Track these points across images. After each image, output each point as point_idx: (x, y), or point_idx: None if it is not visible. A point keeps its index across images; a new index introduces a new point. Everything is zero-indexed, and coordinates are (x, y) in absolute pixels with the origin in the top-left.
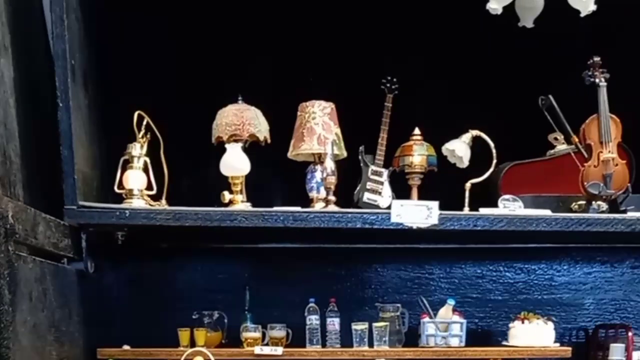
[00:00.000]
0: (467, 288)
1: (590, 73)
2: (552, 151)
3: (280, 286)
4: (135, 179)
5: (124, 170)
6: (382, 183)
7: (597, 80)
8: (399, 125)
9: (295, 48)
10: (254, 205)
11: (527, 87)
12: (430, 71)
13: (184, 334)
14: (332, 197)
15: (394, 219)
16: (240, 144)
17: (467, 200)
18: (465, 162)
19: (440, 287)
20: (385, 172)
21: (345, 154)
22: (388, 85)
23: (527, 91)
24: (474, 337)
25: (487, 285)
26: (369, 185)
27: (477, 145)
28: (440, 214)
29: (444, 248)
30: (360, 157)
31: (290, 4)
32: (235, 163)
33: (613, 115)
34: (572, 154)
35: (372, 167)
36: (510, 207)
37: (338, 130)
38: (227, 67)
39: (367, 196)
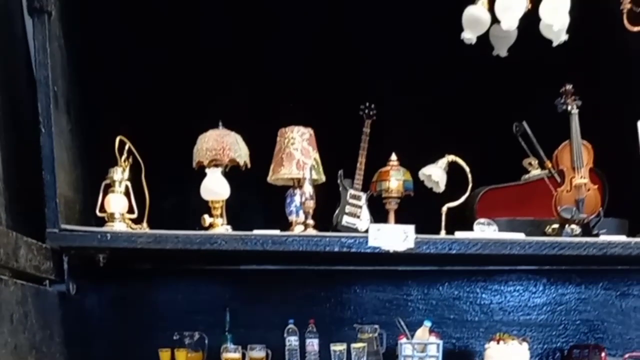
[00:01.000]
0: (444, 309)
1: (562, 100)
2: (526, 176)
3: (260, 307)
4: (116, 202)
5: (105, 194)
6: (360, 207)
7: (569, 108)
8: (377, 149)
9: (274, 74)
10: (234, 228)
11: (502, 113)
12: (406, 97)
13: (164, 355)
14: (310, 221)
15: (372, 242)
16: (220, 169)
17: (443, 223)
18: (441, 187)
19: (418, 309)
20: (364, 196)
21: (323, 178)
22: (366, 111)
23: (501, 117)
24: (451, 358)
25: (463, 307)
26: (348, 208)
27: (453, 170)
28: (417, 237)
29: (421, 270)
30: (339, 181)
31: (270, 29)
32: (215, 187)
33: (585, 142)
34: (546, 179)
35: (351, 191)
36: (485, 230)
37: (317, 156)
38: (208, 93)
39: (345, 219)
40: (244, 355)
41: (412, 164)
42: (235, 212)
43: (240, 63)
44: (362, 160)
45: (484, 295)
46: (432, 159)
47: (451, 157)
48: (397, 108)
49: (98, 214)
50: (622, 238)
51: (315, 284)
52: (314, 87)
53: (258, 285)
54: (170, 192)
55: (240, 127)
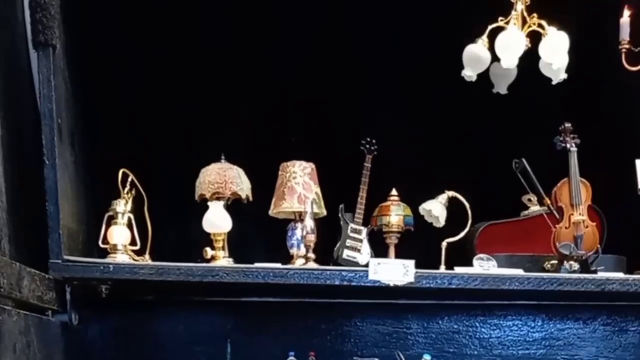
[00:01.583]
0: (443, 343)
1: (561, 138)
2: (525, 212)
3: (260, 339)
4: (119, 234)
5: (108, 225)
6: (361, 241)
7: (568, 146)
8: (378, 184)
9: (276, 109)
10: (236, 261)
11: (502, 150)
12: (407, 133)
13: None
14: (311, 255)
15: (372, 276)
16: (222, 202)
17: (443, 258)
18: (441, 222)
19: (418, 342)
20: (365, 230)
21: (324, 212)
22: (367, 146)
23: (501, 154)
24: None
25: (463, 340)
26: (349, 242)
27: (453, 206)
28: (417, 272)
29: (421, 304)
30: (340, 215)
31: (273, 63)
32: (217, 220)
33: (583, 179)
34: (545, 215)
35: (352, 225)
36: (484, 266)
37: (318, 190)
38: (211, 126)
39: (346, 253)
40: None
41: (413, 199)
42: (237, 244)
43: (243, 97)
44: (363, 195)
45: (483, 330)
46: (433, 195)
47: (451, 193)
48: (398, 144)
49: (101, 245)
50: (620, 275)
51: (316, 316)
52: (316, 121)
53: (259, 317)
54: (172, 224)
55: (242, 160)
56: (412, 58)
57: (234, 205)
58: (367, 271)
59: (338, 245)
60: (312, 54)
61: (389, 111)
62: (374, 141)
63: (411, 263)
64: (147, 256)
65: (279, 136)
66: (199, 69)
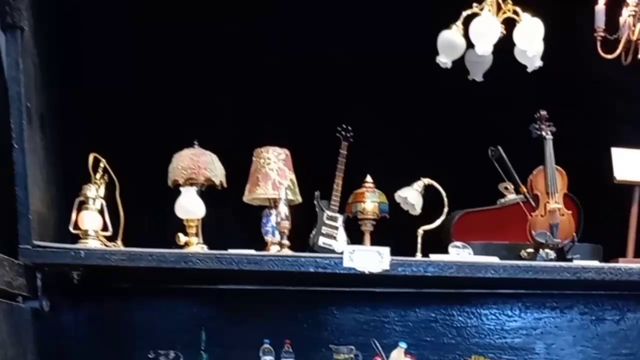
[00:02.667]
0: (420, 331)
1: (537, 126)
2: (502, 200)
3: (237, 327)
4: (90, 219)
5: (79, 211)
6: (337, 228)
7: (543, 133)
8: (354, 172)
9: (251, 95)
10: (211, 248)
11: (479, 137)
12: (384, 120)
13: None
14: (285, 241)
15: (346, 263)
16: (195, 188)
17: (419, 246)
18: (417, 210)
19: (395, 330)
20: (341, 218)
21: (300, 199)
22: (343, 133)
23: (478, 142)
24: None
25: (440, 329)
26: (324, 230)
27: (429, 194)
28: (392, 259)
29: (398, 292)
30: (315, 202)
31: (247, 50)
32: (189, 206)
33: (559, 167)
34: (521, 204)
35: (328, 213)
36: (460, 253)
37: (293, 176)
38: (185, 112)
39: (322, 240)
40: None
41: (389, 187)
42: (213, 231)
43: (217, 83)
44: (338, 182)
45: (460, 318)
46: (409, 182)
47: (427, 181)
48: (375, 131)
49: (72, 231)
50: (596, 263)
51: (293, 305)
52: (292, 109)
53: (235, 305)
54: (147, 210)
55: (216, 146)
56: (387, 44)
57: (210, 192)
58: (341, 258)
59: (314, 232)
60: (288, 42)
61: (365, 98)
62: (349, 128)
63: (386, 250)
64: (119, 242)
65: (255, 122)
66: (173, 55)
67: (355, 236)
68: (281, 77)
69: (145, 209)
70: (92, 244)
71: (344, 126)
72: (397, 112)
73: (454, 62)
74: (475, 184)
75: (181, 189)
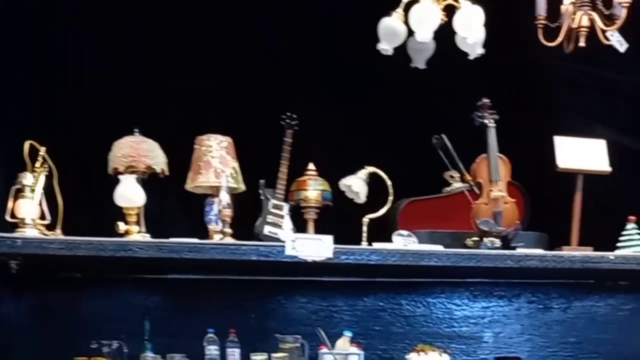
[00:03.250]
0: (369, 321)
1: (479, 114)
2: (447, 189)
3: (182, 317)
4: (27, 208)
5: (15, 199)
6: (282, 217)
7: (486, 121)
8: (299, 160)
9: (195, 82)
10: (156, 237)
11: (424, 125)
12: (328, 108)
13: None
14: (228, 230)
15: (289, 251)
16: (134, 176)
17: (364, 235)
18: (362, 198)
19: (343, 320)
20: (286, 206)
21: (243, 187)
22: (287, 120)
23: (424, 129)
24: None
25: (388, 318)
26: (270, 218)
27: (376, 182)
28: (335, 247)
29: (346, 281)
30: (260, 190)
31: (190, 38)
32: (128, 194)
33: (502, 155)
34: (466, 192)
35: (273, 201)
36: (404, 242)
37: (236, 164)
38: (126, 99)
39: (268, 229)
40: None
41: (335, 175)
42: (157, 221)
43: (158, 69)
44: (283, 170)
45: (408, 307)
46: (355, 171)
47: (371, 169)
48: (319, 119)
49: (9, 219)
50: (539, 251)
51: (240, 294)
52: (236, 97)
53: (182, 295)
54: (89, 199)
55: (158, 134)
56: (331, 32)
57: (154, 181)
58: (284, 246)
59: (259, 221)
60: (231, 30)
61: (309, 86)
62: (294, 116)
63: (329, 238)
64: (58, 231)
65: (197, 110)
66: (114, 41)
67: (300, 224)
68: (224, 64)
69: (87, 198)
70: (30, 232)
71: (289, 114)
72: (341, 100)
73: (398, 50)
74: (421, 173)
75: (120, 177)
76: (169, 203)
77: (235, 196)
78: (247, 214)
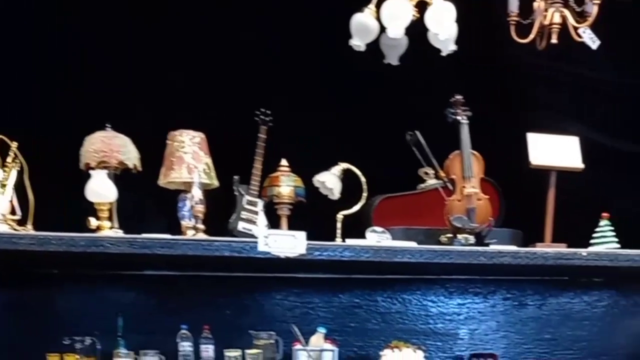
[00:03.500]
0: (345, 317)
1: (452, 110)
2: (422, 185)
3: (156, 313)
4: None
5: None
6: (257, 213)
7: (459, 118)
8: (274, 156)
9: (168, 77)
10: (130, 234)
11: (399, 121)
12: (303, 105)
13: None
14: (200, 225)
15: (262, 248)
16: (105, 171)
17: (339, 231)
18: (336, 194)
19: (319, 317)
20: (260, 202)
21: (216, 183)
22: (262, 117)
23: (399, 126)
24: None
25: (364, 315)
26: (244, 214)
27: (351, 178)
28: (308, 244)
29: (322, 278)
30: (234, 187)
31: (162, 33)
32: (100, 189)
33: (475, 152)
34: (440, 189)
35: (247, 197)
36: (377, 238)
37: (209, 160)
38: (98, 93)
39: (242, 225)
40: None
41: (309, 172)
42: (132, 217)
43: (131, 63)
44: (257, 167)
45: (384, 304)
46: (329, 167)
47: (345, 165)
48: (294, 116)
49: None
50: (513, 247)
51: (215, 291)
52: (210, 93)
53: (156, 291)
54: (61, 195)
55: (132, 130)
56: (303, 28)
57: (129, 177)
58: (257, 242)
59: (233, 217)
60: (203, 25)
61: (283, 82)
62: (268, 112)
63: (302, 234)
64: (29, 226)
65: (171, 105)
66: (85, 35)
67: (275, 221)
68: (197, 59)
69: (59, 194)
70: (0, 228)
71: (263, 110)
72: (315, 96)
73: (371, 46)
74: (396, 169)
75: (91, 172)
76: (144, 199)
77: (209, 192)
78: (221, 211)
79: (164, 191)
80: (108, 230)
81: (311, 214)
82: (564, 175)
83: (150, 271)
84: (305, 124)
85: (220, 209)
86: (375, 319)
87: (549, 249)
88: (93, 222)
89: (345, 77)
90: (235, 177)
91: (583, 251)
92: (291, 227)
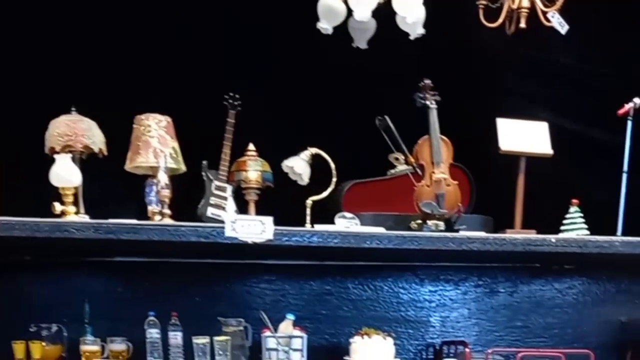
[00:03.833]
0: (316, 304)
1: (421, 95)
2: (392, 171)
3: (124, 300)
4: None
5: None
6: (225, 198)
7: (427, 103)
8: (243, 141)
9: (135, 60)
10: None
11: (368, 106)
12: (271, 89)
13: (18, 347)
14: (167, 211)
15: (229, 233)
16: (70, 155)
17: (308, 217)
18: (305, 180)
19: (290, 303)
20: (229, 188)
21: (184, 168)
22: (230, 101)
23: (368, 110)
24: (324, 353)
25: (335, 302)
26: (213, 200)
27: (320, 163)
28: (275, 229)
29: (293, 264)
30: (203, 172)
31: (128, 15)
32: (64, 174)
33: (444, 137)
34: (410, 175)
35: (216, 183)
36: (346, 224)
37: (176, 144)
38: (63, 76)
39: (211, 211)
40: (103, 348)
41: (279, 157)
42: (103, 203)
43: (97, 46)
44: (226, 152)
45: (355, 291)
46: (298, 152)
47: (314, 150)
48: (263, 100)
49: None
50: (481, 233)
51: (184, 278)
52: (178, 77)
53: (125, 278)
54: (26, 179)
55: (99, 113)
56: (270, 11)
57: (96, 162)
58: (223, 228)
59: (202, 202)
60: (170, 8)
61: (251, 66)
62: (237, 96)
63: (269, 220)
64: None
65: (138, 89)
66: (49, 15)
67: (244, 207)
68: (165, 43)
69: (24, 179)
70: None
71: (231, 94)
72: (284, 81)
73: (340, 30)
74: (366, 155)
75: (55, 156)
76: (114, 185)
77: (178, 177)
78: (190, 196)
79: (134, 177)
80: (73, 215)
81: (281, 200)
82: (535, 161)
83: (119, 258)
84: (276, 108)
85: (190, 195)
86: (346, 306)
87: (518, 235)
88: (58, 207)
89: (314, 61)
90: (204, 162)
91: (552, 237)
92: (261, 212)
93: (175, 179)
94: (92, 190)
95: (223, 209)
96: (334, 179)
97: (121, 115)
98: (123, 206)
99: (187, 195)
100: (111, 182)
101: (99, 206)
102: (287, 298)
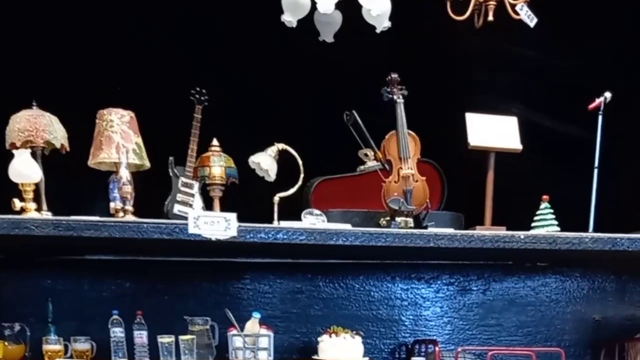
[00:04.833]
0: (287, 303)
1: (388, 89)
2: (361, 167)
3: (88, 299)
4: None
5: None
6: (192, 195)
7: (395, 97)
8: (210, 137)
9: (98, 54)
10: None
11: (337, 101)
12: (238, 84)
13: None
14: (129, 207)
15: (192, 230)
16: (28, 150)
17: (276, 214)
18: (272, 176)
19: (260, 302)
20: (196, 184)
21: (148, 164)
22: (197, 96)
23: (336, 105)
24: (295, 352)
25: (306, 301)
26: (179, 197)
27: (288, 159)
28: (240, 226)
29: (263, 263)
30: (169, 168)
31: (92, 7)
32: (23, 170)
33: (411, 132)
34: (379, 171)
35: (183, 179)
36: (314, 220)
37: (139, 140)
38: (23, 70)
39: (177, 208)
40: (67, 347)
41: (246, 152)
42: (68, 200)
43: (60, 39)
44: (193, 147)
45: (326, 289)
46: (264, 148)
47: (281, 146)
48: (229, 95)
49: None
50: (449, 230)
51: (150, 276)
52: (142, 72)
53: (87, 276)
54: None
55: (61, 108)
56: (237, 4)
57: (63, 158)
58: (187, 225)
59: (168, 199)
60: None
61: (219, 62)
62: (204, 91)
63: (233, 216)
64: None
65: (101, 83)
66: (7, 10)
67: (211, 203)
68: (129, 36)
69: None
70: None
71: (198, 89)
72: (251, 75)
73: (305, 24)
74: (335, 150)
75: (14, 151)
76: (81, 182)
77: (145, 174)
78: (158, 193)
79: (101, 173)
80: (34, 212)
81: (249, 197)
82: (506, 157)
83: (84, 256)
84: (242, 103)
85: (157, 192)
86: (317, 305)
87: (486, 232)
88: (17, 203)
89: (280, 55)
90: (171, 159)
91: (521, 234)
92: (228, 210)
93: (141, 175)
94: (60, 187)
95: (190, 205)
96: (302, 175)
97: (84, 111)
98: (91, 203)
99: (155, 192)
100: (77, 179)
101: (66, 204)
102: (256, 296)
